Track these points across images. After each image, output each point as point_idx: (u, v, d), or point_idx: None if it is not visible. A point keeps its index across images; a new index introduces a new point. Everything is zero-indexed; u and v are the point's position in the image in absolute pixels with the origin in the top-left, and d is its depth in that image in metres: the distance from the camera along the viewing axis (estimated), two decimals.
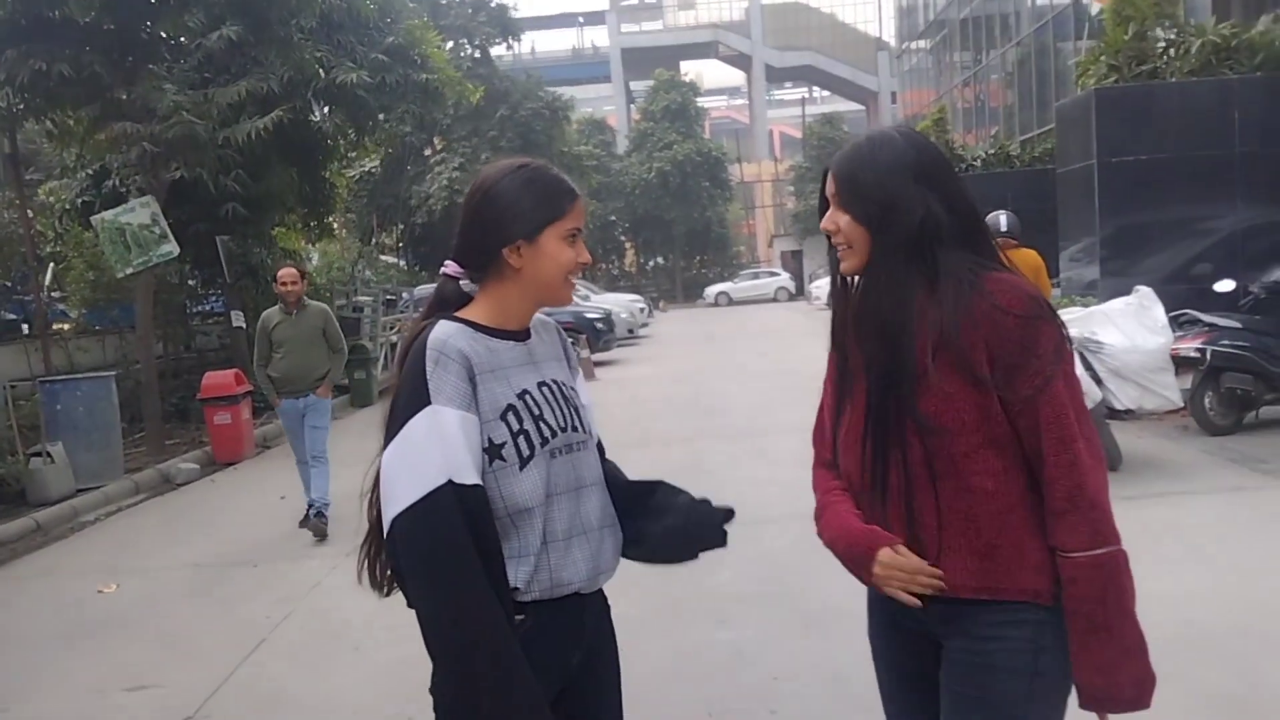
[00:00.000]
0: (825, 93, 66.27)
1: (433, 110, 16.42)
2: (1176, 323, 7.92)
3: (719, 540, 2.01)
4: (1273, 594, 4.63)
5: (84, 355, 13.82)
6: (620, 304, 24.51)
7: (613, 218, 46.30)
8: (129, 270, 11.38)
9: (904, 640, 1.93)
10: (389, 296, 18.42)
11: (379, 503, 1.80)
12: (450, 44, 28.22)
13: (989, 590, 1.74)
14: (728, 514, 2.01)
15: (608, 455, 2.09)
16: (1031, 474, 1.74)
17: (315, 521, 6.95)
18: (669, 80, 47.05)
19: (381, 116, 15.43)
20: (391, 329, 17.54)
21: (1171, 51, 11.41)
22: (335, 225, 23.88)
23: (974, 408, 1.71)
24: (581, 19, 62.03)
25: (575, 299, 1.98)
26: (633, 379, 16.29)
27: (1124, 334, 7.06)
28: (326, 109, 15.16)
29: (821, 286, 32.10)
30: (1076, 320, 7.33)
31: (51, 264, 16.00)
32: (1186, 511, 6.16)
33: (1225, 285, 9.06)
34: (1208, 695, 3.69)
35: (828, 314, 2.00)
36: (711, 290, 45.10)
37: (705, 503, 2.02)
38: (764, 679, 4.10)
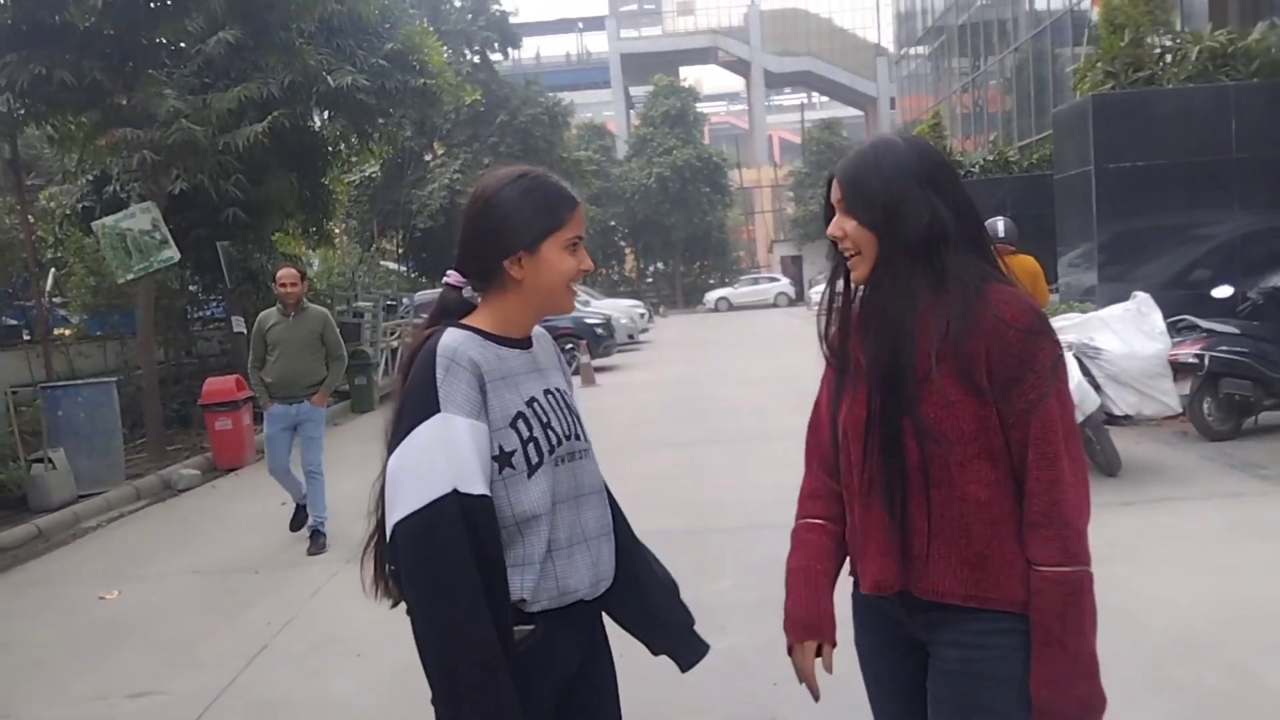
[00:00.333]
0: (824, 98, 66.37)
1: (431, 115, 16.44)
2: (1174, 328, 7.93)
3: (692, 658, 2.06)
4: (1271, 599, 4.64)
5: (85, 361, 13.85)
6: (620, 309, 24.53)
7: (612, 223, 46.36)
8: (130, 276, 11.40)
9: (892, 647, 1.93)
10: (389, 302, 18.44)
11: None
12: (449, 50, 28.27)
13: (977, 599, 1.75)
14: (701, 649, 2.08)
15: (609, 458, 2.11)
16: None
17: (314, 544, 6.92)
18: (668, 86, 47.13)
19: (381, 121, 15.46)
20: (392, 335, 17.55)
21: (1168, 58, 11.46)
22: (336, 231, 23.92)
23: (973, 417, 1.73)
24: (581, 24, 62.10)
25: (575, 305, 1.99)
26: (633, 384, 16.30)
27: (1122, 340, 7.08)
28: (327, 114, 15.21)
29: (821, 292, 32.05)
30: (1074, 326, 7.35)
31: (52, 270, 16.01)
32: (1185, 517, 6.17)
33: (1223, 291, 9.07)
34: (1205, 700, 3.71)
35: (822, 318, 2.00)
36: (711, 296, 45.14)
37: (683, 612, 2.08)
38: (763, 685, 4.10)
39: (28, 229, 13.75)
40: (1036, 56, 22.86)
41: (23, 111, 11.71)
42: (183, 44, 12.51)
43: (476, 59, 31.74)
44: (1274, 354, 7.97)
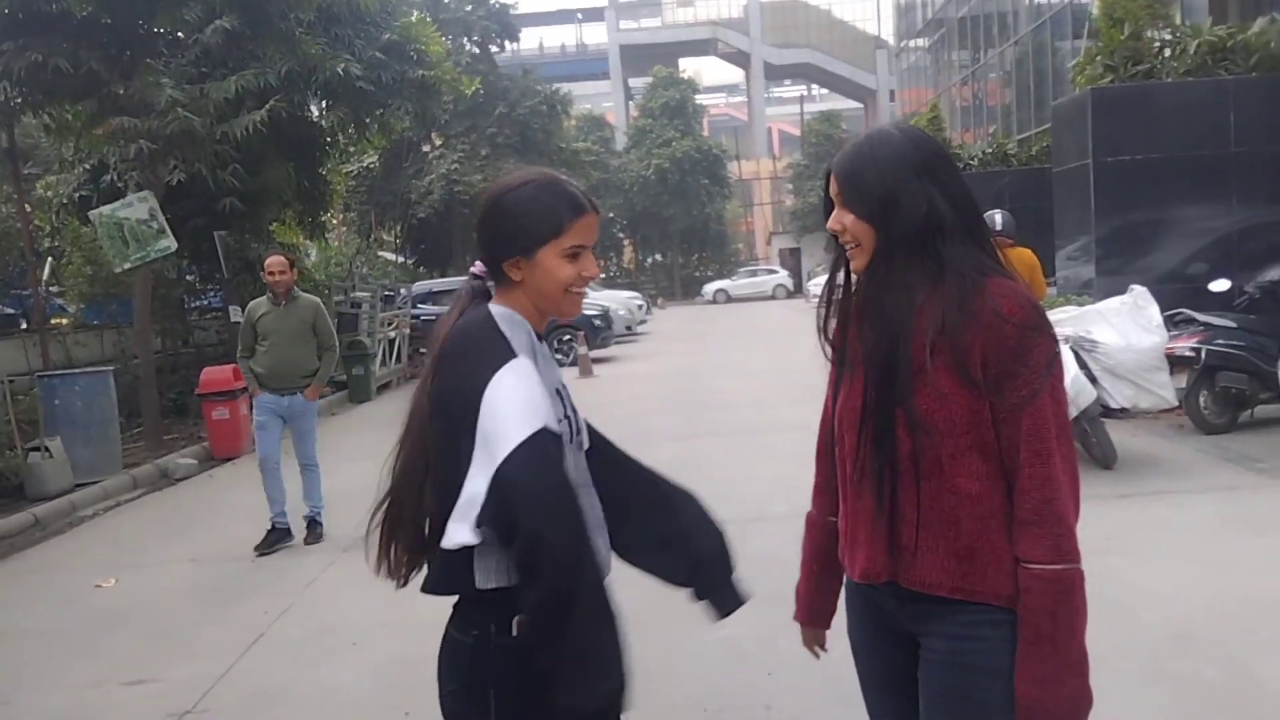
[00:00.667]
0: (824, 90, 66.27)
1: (431, 106, 16.42)
2: (1172, 322, 7.94)
3: (730, 606, 2.17)
4: (1266, 592, 4.66)
5: (82, 350, 13.86)
6: (618, 301, 24.52)
7: (611, 215, 46.31)
8: (127, 265, 11.39)
9: (884, 638, 1.94)
10: (387, 293, 18.43)
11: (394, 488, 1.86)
12: (449, 39, 28.20)
13: (963, 591, 1.75)
14: (739, 598, 2.17)
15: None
16: None
17: (312, 534, 6.86)
18: (667, 77, 47.07)
19: (380, 111, 15.44)
20: (389, 325, 17.55)
21: (1168, 52, 11.44)
22: (335, 222, 23.91)
23: (966, 410, 1.72)
24: (580, 15, 61.96)
25: (580, 310, 2.00)
26: (631, 376, 16.31)
27: (1119, 333, 7.08)
28: (325, 104, 15.18)
29: (820, 284, 32.07)
30: (1071, 319, 7.35)
31: (49, 259, 16.02)
32: (1181, 510, 6.19)
33: (1220, 285, 9.08)
34: (1200, 692, 3.72)
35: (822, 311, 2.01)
36: (710, 288, 45.16)
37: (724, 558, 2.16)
38: (759, 675, 4.12)
39: (25, 218, 13.75)
40: (1036, 50, 22.83)
41: (20, 100, 11.70)
42: (180, 33, 12.47)
43: (476, 49, 31.66)
44: (1270, 347, 7.99)
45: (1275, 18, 12.10)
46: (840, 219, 1.85)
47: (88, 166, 14.43)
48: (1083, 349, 7.01)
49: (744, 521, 6.54)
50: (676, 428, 10.49)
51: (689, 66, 56.53)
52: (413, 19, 16.21)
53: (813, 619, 2.16)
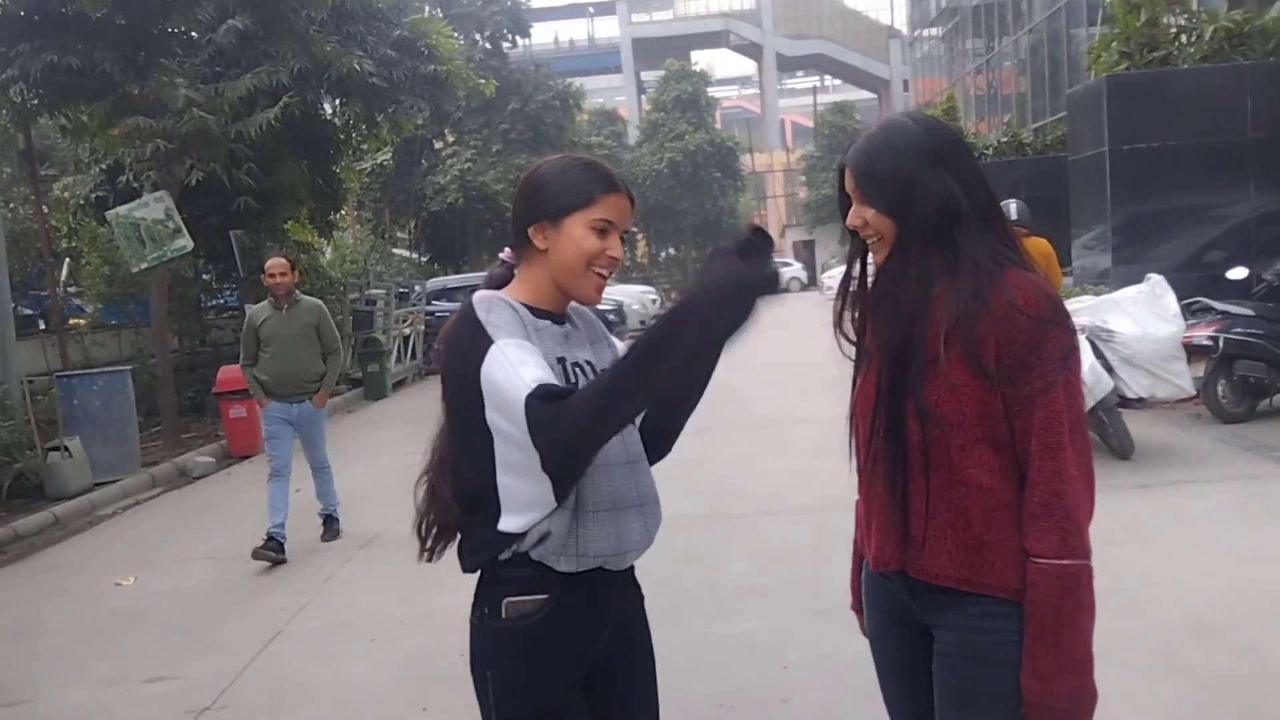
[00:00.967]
0: (837, 81, 65.97)
1: (444, 102, 16.43)
2: (1189, 310, 7.89)
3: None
4: None
5: (100, 350, 13.94)
6: (632, 295, 24.52)
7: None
8: (144, 265, 11.45)
9: (900, 630, 1.94)
10: (401, 289, 18.49)
11: (433, 478, 1.89)
12: (461, 35, 28.21)
13: (970, 583, 1.74)
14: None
15: None
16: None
17: (329, 530, 6.87)
18: (680, 70, 46.91)
19: (392, 109, 15.46)
20: (404, 322, 17.61)
21: (1184, 38, 11.37)
22: (347, 219, 23.96)
23: (976, 402, 1.71)
24: (592, 9, 61.87)
25: (600, 297, 1.97)
26: None
27: (1136, 322, 7.04)
28: (338, 102, 15.22)
29: (834, 277, 32.05)
30: (1088, 309, 7.32)
31: (67, 259, 16.12)
32: (1199, 499, 6.15)
33: (1238, 273, 9.01)
34: (1217, 683, 3.70)
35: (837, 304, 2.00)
36: None
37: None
38: (775, 669, 4.13)
39: (42, 219, 13.85)
40: (1051, 37, 22.69)
41: (36, 101, 11.77)
42: (193, 33, 12.52)
43: (489, 45, 31.66)
44: None
45: None
46: (860, 214, 1.83)
47: (104, 167, 14.51)
48: (1099, 339, 6.98)
49: (758, 515, 6.54)
50: (692, 421, 10.45)
51: (701, 59, 56.36)
52: (424, 15, 16.21)
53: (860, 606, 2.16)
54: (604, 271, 1.88)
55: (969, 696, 1.78)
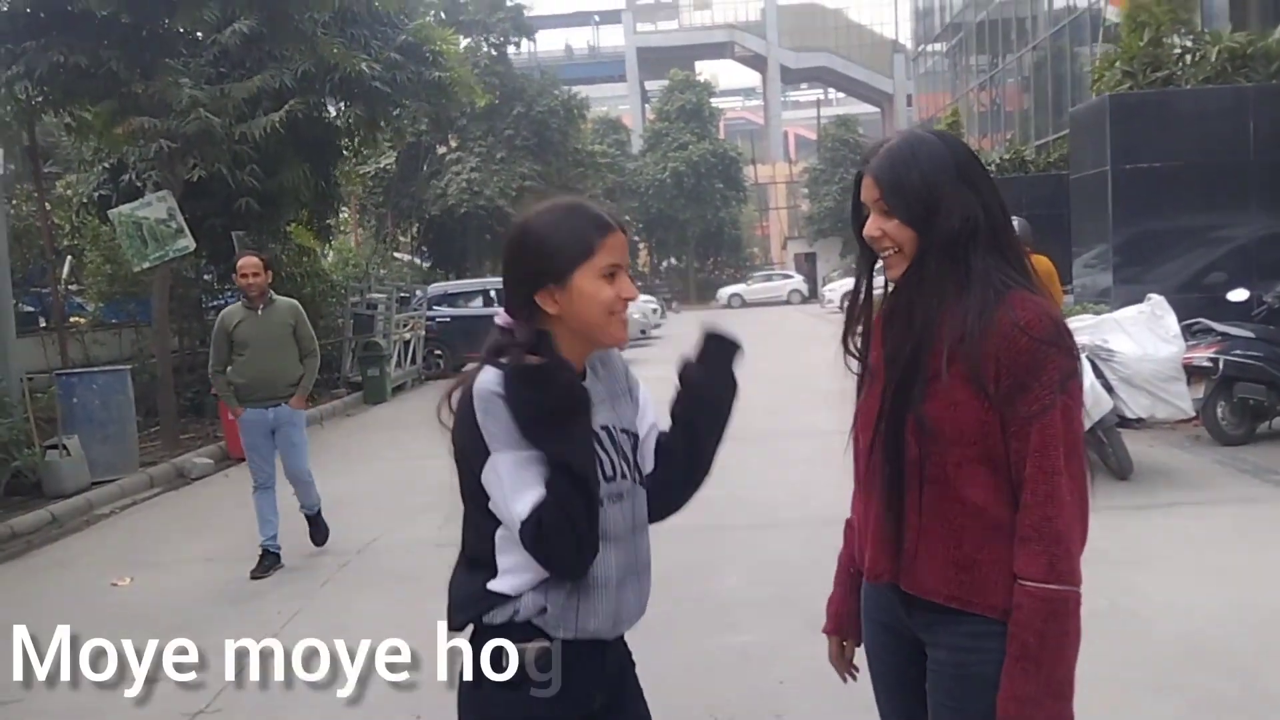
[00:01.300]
0: (840, 95, 66.16)
1: (447, 108, 16.46)
2: (1189, 331, 7.89)
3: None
4: None
5: (100, 349, 13.92)
6: (633, 305, 24.51)
7: (626, 218, 46.20)
8: (145, 264, 11.45)
9: (896, 646, 1.94)
10: (402, 294, 18.51)
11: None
12: (467, 41, 28.25)
13: (959, 600, 1.74)
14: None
15: None
16: None
17: (316, 529, 6.67)
18: (684, 80, 47.06)
19: (396, 112, 15.49)
20: (404, 326, 17.62)
21: (1187, 59, 11.40)
22: (348, 223, 23.96)
23: (975, 420, 1.71)
24: (597, 18, 62.01)
25: (627, 334, 1.93)
26: (645, 380, 16.15)
27: (1136, 342, 7.05)
28: (342, 104, 15.24)
29: (835, 289, 32.06)
30: (1088, 328, 7.32)
31: (69, 257, 16.12)
32: (1197, 521, 6.15)
33: (1239, 294, 9.01)
34: (1212, 705, 3.70)
35: (841, 317, 2.00)
36: (725, 292, 45.13)
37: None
38: (770, 683, 4.12)
39: (45, 216, 13.85)
40: (1055, 55, 22.75)
41: (40, 99, 11.78)
42: (199, 34, 12.54)
43: (493, 51, 31.73)
44: None
45: None
46: (879, 224, 1.81)
47: (107, 165, 14.52)
48: (1099, 358, 6.98)
49: (757, 527, 6.53)
50: None
51: (705, 70, 56.52)
52: (428, 20, 16.25)
53: (840, 627, 2.10)
54: (624, 315, 1.84)
55: (959, 715, 1.78)
